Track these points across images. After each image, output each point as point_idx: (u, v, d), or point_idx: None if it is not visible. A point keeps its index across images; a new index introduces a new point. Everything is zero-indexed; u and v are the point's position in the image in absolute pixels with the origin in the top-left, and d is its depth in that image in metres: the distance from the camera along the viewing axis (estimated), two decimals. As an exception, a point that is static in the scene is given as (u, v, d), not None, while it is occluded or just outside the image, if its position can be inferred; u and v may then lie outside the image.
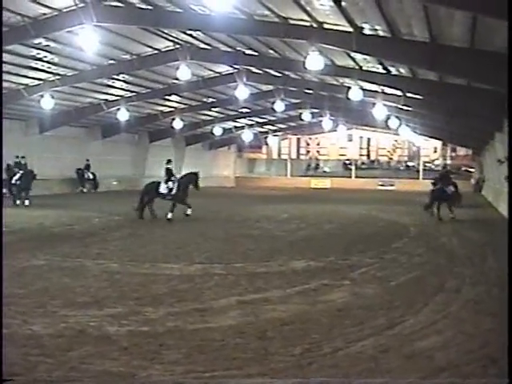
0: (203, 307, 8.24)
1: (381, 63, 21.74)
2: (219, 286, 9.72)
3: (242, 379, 5.63)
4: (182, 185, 20.83)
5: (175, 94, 34.13)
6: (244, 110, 43.23)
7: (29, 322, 7.20)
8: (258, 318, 7.72)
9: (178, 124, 40.78)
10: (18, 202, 25.99)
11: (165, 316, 7.74)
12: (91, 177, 38.29)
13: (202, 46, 23.99)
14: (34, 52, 22.85)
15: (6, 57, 21.63)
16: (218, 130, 47.75)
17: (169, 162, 21.79)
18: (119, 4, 18.44)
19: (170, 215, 20.17)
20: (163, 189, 20.72)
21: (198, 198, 28.80)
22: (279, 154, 71.97)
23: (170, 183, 20.74)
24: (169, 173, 21.20)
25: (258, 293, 9.23)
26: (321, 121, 46.70)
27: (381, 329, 7.23)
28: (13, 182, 26.81)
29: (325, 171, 71.45)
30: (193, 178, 21.30)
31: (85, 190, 38.11)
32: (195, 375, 5.66)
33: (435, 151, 65.97)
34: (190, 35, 22.50)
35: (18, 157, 28.83)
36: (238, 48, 23.57)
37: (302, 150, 79.81)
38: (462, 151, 59.32)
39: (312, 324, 7.47)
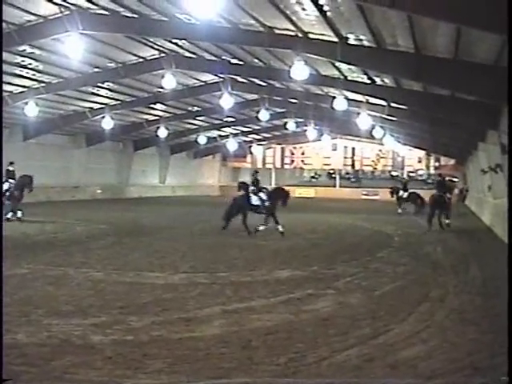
0: (188, 316, 8.19)
1: (365, 73, 21.85)
2: (204, 295, 9.67)
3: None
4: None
5: (160, 103, 34.18)
6: (229, 119, 43.32)
7: (12, 331, 7.10)
8: (243, 328, 7.69)
9: (162, 132, 40.78)
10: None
11: (149, 325, 7.69)
12: None
13: (187, 54, 24.06)
14: (19, 59, 22.80)
15: (-10, 64, 21.56)
16: (202, 139, 47.76)
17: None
18: (105, 12, 18.45)
19: None
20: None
21: (182, 206, 28.87)
22: (264, 163, 71.86)
23: None
24: None
25: (243, 302, 9.19)
26: (305, 130, 46.92)
27: (365, 338, 7.22)
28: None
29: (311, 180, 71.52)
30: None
31: None
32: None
33: (419, 161, 66.14)
34: (176, 44, 22.56)
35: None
36: (224, 57, 23.61)
37: (287, 160, 79.84)
38: (445, 161, 59.55)
39: (296, 333, 7.44)
